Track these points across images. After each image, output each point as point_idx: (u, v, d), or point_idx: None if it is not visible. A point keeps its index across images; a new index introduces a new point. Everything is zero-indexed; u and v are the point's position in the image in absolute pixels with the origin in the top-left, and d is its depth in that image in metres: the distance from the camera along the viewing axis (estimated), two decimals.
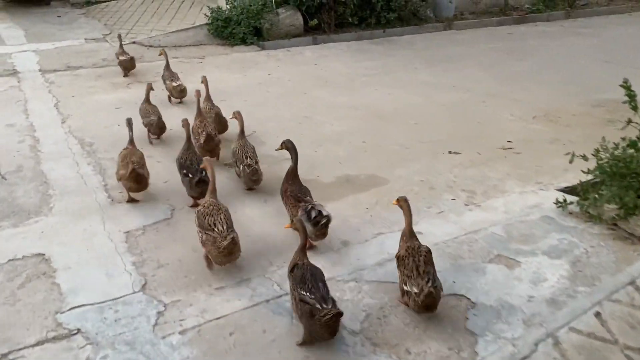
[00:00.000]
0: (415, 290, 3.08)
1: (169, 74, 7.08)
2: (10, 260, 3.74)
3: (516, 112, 6.69)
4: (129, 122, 4.77)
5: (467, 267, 3.69)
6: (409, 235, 3.33)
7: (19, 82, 7.73)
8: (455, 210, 4.43)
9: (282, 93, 7.48)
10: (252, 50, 9.73)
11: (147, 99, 5.86)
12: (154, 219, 4.27)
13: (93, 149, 5.55)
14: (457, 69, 8.68)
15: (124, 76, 7.98)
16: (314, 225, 3.63)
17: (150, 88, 5.96)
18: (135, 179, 4.36)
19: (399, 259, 3.27)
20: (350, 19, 10.76)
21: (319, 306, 2.82)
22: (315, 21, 10.37)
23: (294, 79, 8.17)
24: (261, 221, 4.28)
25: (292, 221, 3.52)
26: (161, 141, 5.82)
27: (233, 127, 5.50)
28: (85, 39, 10.11)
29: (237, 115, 4.94)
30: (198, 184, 4.30)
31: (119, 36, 8.44)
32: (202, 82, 6.02)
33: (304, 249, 3.17)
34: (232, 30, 9.95)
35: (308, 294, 2.89)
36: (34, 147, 5.60)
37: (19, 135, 5.87)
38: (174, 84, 6.88)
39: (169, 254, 3.82)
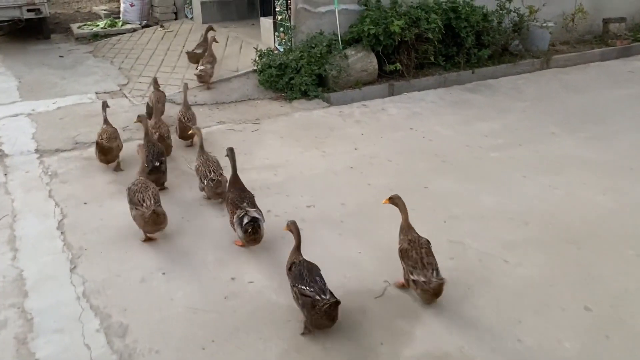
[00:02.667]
0: (423, 279, 3.30)
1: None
2: None
3: None
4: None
5: None
6: (407, 228, 3.53)
7: (5, 174, 5.33)
8: None
9: (392, 186, 5.07)
10: (318, 107, 7.33)
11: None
12: None
13: (131, 348, 3.12)
14: (608, 134, 6.30)
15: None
16: (244, 232, 3.80)
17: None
18: None
19: (403, 251, 3.46)
20: (432, 59, 8.37)
21: (318, 297, 3.04)
22: (397, 65, 7.97)
23: (395, 157, 5.77)
24: None
25: (287, 224, 3.49)
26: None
27: None
28: (97, 93, 7.71)
29: (196, 130, 5.04)
30: (151, 172, 4.64)
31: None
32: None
33: (298, 248, 3.37)
34: (289, 81, 7.55)
35: (307, 287, 3.10)
36: (24, 341, 3.17)
37: None
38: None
39: None
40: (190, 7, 11.34)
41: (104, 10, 13.17)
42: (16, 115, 6.87)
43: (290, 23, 7.98)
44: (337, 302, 3.06)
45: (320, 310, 3.04)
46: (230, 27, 10.70)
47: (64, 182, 5.16)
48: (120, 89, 7.89)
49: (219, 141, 6.07)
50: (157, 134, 5.36)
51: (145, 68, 8.77)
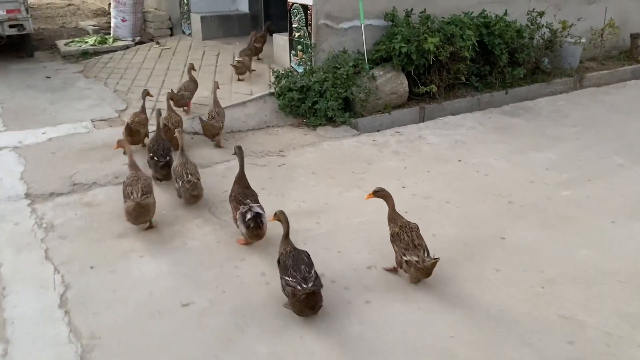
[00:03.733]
0: (416, 259, 3.43)
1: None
2: None
3: None
4: None
5: None
6: (396, 216, 3.69)
7: None
8: None
9: (462, 238, 4.25)
10: (347, 135, 6.49)
11: None
12: None
13: None
14: None
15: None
16: (247, 227, 3.83)
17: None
18: None
19: (394, 235, 3.60)
20: (464, 79, 7.60)
21: (299, 287, 3.13)
22: (432, 87, 7.18)
23: (452, 197, 4.95)
24: None
25: (275, 214, 3.55)
26: None
27: None
28: (93, 121, 6.75)
29: (179, 133, 4.95)
30: (163, 167, 4.96)
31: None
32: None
33: (287, 237, 3.47)
34: (313, 105, 6.70)
35: (290, 278, 3.21)
36: None
37: None
38: None
39: None
40: (188, 22, 10.47)
41: (92, 25, 12.22)
42: (0, 149, 5.88)
43: (310, 41, 7.15)
44: (314, 292, 3.14)
45: (300, 299, 3.14)
46: (233, 43, 9.86)
47: (63, 238, 4.21)
48: (119, 116, 6.95)
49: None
50: (168, 124, 5.64)
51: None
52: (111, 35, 11.02)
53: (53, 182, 5.12)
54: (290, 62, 7.66)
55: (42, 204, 4.73)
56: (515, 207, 4.76)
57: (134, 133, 5.66)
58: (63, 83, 8.48)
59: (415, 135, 6.49)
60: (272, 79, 7.19)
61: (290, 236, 3.55)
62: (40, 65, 9.67)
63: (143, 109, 5.90)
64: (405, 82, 7.16)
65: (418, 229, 3.62)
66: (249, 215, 3.83)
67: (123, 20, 10.88)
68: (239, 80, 7.70)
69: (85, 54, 10.21)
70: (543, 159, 5.80)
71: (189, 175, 4.53)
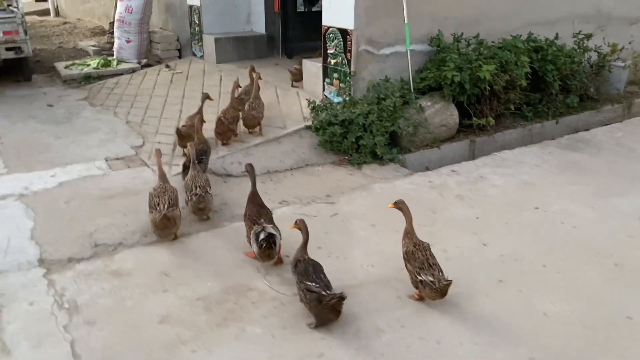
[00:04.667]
0: (431, 279, 3.37)
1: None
2: None
3: None
4: None
5: None
6: (412, 232, 3.62)
7: None
8: None
9: (580, 317, 3.51)
10: (398, 175, 5.76)
11: None
12: None
13: None
14: None
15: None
16: (259, 247, 3.77)
17: None
18: None
19: (409, 253, 3.54)
20: (513, 107, 6.92)
21: (324, 293, 3.17)
22: (489, 120, 6.49)
23: (546, 258, 4.21)
24: None
25: (295, 222, 3.63)
26: None
27: None
28: (107, 160, 5.94)
29: (190, 147, 4.88)
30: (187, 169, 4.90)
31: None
32: None
33: (305, 246, 3.49)
34: (357, 141, 5.96)
35: (313, 283, 3.22)
36: None
37: None
38: None
39: None
40: (200, 44, 9.71)
41: (92, 46, 11.42)
42: (3, 197, 5.05)
43: (349, 68, 6.42)
44: (343, 297, 3.18)
45: (327, 305, 3.17)
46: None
47: (90, 324, 3.39)
48: (136, 153, 6.14)
49: (293, 238, 4.39)
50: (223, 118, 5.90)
51: (160, 122, 7.04)
52: (115, 57, 10.25)
53: (70, 242, 4.29)
54: (324, 91, 6.92)
55: (60, 273, 3.90)
56: (626, 272, 4.03)
57: (184, 137, 5.59)
58: (67, 113, 7.66)
59: (475, 175, 5.76)
60: (308, 110, 6.45)
61: (369, 319, 2.79)
62: (39, 91, 8.86)
63: (200, 112, 5.77)
64: (456, 113, 6.46)
65: (430, 248, 3.59)
66: (262, 236, 3.80)
67: (127, 41, 10.12)
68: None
69: (87, 78, 9.42)
70: (630, 205, 5.09)
71: (197, 188, 4.51)
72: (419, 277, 3.44)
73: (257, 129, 6.21)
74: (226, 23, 9.73)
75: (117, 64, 9.98)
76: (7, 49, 8.61)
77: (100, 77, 9.47)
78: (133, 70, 9.71)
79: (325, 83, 6.88)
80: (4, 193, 5.11)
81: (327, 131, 5.97)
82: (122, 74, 9.53)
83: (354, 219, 4.80)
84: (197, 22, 9.63)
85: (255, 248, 3.86)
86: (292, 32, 9.69)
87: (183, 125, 5.81)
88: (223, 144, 6.03)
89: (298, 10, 9.64)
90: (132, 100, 8.06)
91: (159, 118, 7.18)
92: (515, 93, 6.74)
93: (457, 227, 4.68)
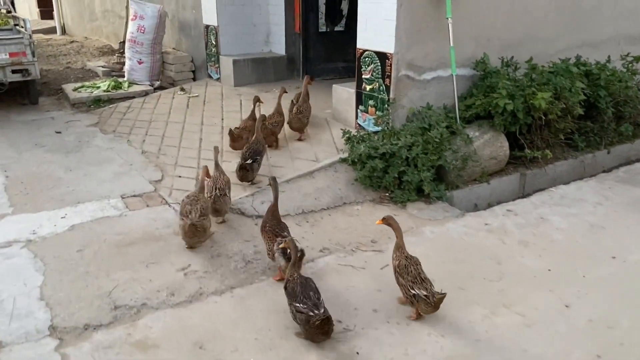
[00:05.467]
0: (425, 293, 3.41)
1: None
2: None
3: None
4: None
5: None
6: (403, 246, 3.63)
7: None
8: None
9: None
10: (448, 215, 5.17)
11: None
12: None
13: None
14: None
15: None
16: (288, 260, 3.67)
17: None
18: None
19: (401, 267, 3.55)
20: (562, 137, 6.34)
21: (311, 313, 3.20)
22: (547, 152, 5.95)
23: None
24: None
25: (284, 241, 3.73)
26: None
27: None
28: (123, 197, 5.35)
29: (215, 149, 4.94)
30: (241, 168, 5.18)
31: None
32: None
33: (294, 265, 3.52)
34: (399, 176, 5.37)
35: (301, 305, 3.26)
36: None
37: None
38: None
39: None
40: (216, 65, 9.18)
41: (102, 67, 10.90)
42: (8, 244, 4.45)
43: (387, 95, 5.86)
44: (328, 318, 3.21)
45: (313, 325, 3.19)
46: (271, 90, 8.55)
47: None
48: (155, 189, 5.56)
49: (340, 296, 3.80)
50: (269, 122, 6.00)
51: (179, 153, 6.46)
52: (125, 79, 9.72)
53: (86, 304, 3.68)
54: (357, 119, 6.35)
55: (75, 346, 3.28)
56: None
57: (236, 139, 5.83)
58: (77, 140, 7.09)
59: (534, 216, 5.15)
60: (340, 140, 5.88)
61: None
62: (47, 115, 8.32)
63: (252, 115, 6.06)
64: (506, 144, 5.88)
65: (420, 263, 3.61)
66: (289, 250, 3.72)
67: (139, 62, 9.60)
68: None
69: (97, 101, 8.89)
70: None
71: (216, 190, 4.57)
72: (412, 292, 3.46)
73: (303, 132, 6.37)
74: (244, 44, 9.21)
75: (129, 86, 9.46)
76: (14, 71, 8.09)
77: (110, 100, 8.93)
78: (146, 93, 9.18)
79: (358, 110, 6.32)
80: (9, 239, 4.51)
81: (367, 165, 5.39)
82: (134, 97, 9.00)
83: None
84: (213, 42, 9.12)
85: (281, 261, 3.84)
86: (314, 53, 9.18)
87: (236, 128, 5.98)
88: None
89: (320, 30, 9.13)
90: (147, 126, 7.50)
91: (177, 147, 6.61)
92: (568, 122, 6.16)
93: (530, 282, 4.07)
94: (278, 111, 6.20)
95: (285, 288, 3.45)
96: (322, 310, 3.22)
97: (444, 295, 3.40)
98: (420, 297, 3.43)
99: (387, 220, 3.72)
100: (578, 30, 7.17)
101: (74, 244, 4.44)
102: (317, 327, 3.20)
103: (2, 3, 11.88)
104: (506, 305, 3.78)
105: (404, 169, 5.38)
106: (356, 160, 5.54)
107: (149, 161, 6.27)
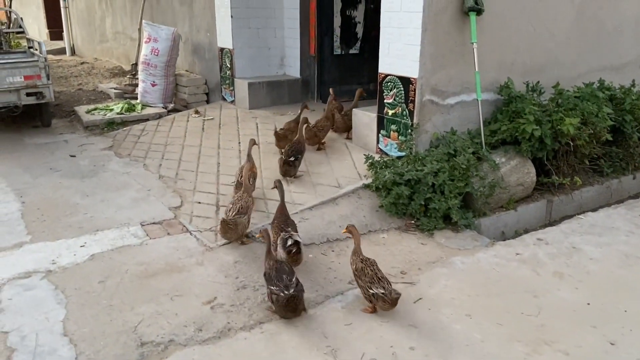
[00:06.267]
0: (382, 291, 3.69)
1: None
2: None
3: None
4: None
5: None
6: (359, 251, 3.94)
7: None
8: None
9: None
10: (477, 245, 5.02)
11: None
12: None
13: None
14: None
15: None
16: (287, 253, 4.11)
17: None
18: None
19: (359, 270, 3.83)
20: (586, 162, 6.22)
21: (282, 294, 3.59)
22: (577, 180, 5.83)
23: None
24: None
25: (259, 232, 4.21)
26: None
27: None
28: (143, 225, 5.23)
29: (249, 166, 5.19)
30: (284, 164, 5.76)
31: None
32: None
33: (269, 253, 3.94)
34: (426, 204, 5.24)
35: (274, 287, 3.65)
36: None
37: None
38: None
39: None
40: (231, 88, 9.12)
41: (114, 88, 10.86)
42: (27, 274, 4.32)
43: (410, 120, 5.76)
44: (293, 296, 3.60)
45: (282, 304, 3.61)
46: (286, 113, 8.47)
47: None
48: (175, 216, 5.43)
49: (373, 332, 3.64)
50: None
51: (197, 178, 6.35)
52: (138, 101, 9.66)
53: (111, 340, 3.53)
54: (378, 143, 6.24)
55: None
56: None
57: (281, 138, 6.31)
58: (92, 165, 6.99)
59: (566, 245, 5.01)
60: (362, 166, 5.77)
61: None
62: (60, 138, 8.24)
63: (298, 118, 6.47)
64: (533, 170, 5.76)
65: (377, 264, 3.88)
66: (290, 242, 4.12)
67: (153, 85, 9.56)
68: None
69: (111, 124, 8.81)
70: None
71: (231, 211, 4.65)
72: (371, 291, 3.71)
73: (348, 133, 6.90)
74: (259, 66, 9.17)
75: (142, 109, 9.39)
76: (28, 94, 8.03)
77: (124, 123, 8.86)
78: (159, 116, 9.12)
79: (380, 135, 6.21)
80: (29, 269, 4.38)
81: (393, 192, 5.26)
82: (147, 120, 8.94)
83: (442, 307, 4.03)
84: (228, 65, 9.07)
85: (282, 253, 4.13)
86: (328, 76, 9.12)
87: (281, 129, 6.44)
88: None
89: (334, 52, 9.09)
90: (163, 150, 7.41)
91: (195, 172, 6.50)
92: (594, 147, 6.05)
93: (570, 317, 3.90)
94: (327, 116, 6.71)
95: (264, 275, 3.82)
96: (291, 291, 3.58)
97: (399, 294, 3.71)
98: (379, 295, 3.69)
99: (349, 229, 4.05)
100: (600, 53, 7.10)
101: (95, 275, 4.30)
102: (284, 305, 3.61)
103: (14, 25, 11.91)
104: (547, 342, 3.62)
105: (430, 196, 5.25)
106: (381, 186, 5.42)
107: (167, 186, 6.16)
